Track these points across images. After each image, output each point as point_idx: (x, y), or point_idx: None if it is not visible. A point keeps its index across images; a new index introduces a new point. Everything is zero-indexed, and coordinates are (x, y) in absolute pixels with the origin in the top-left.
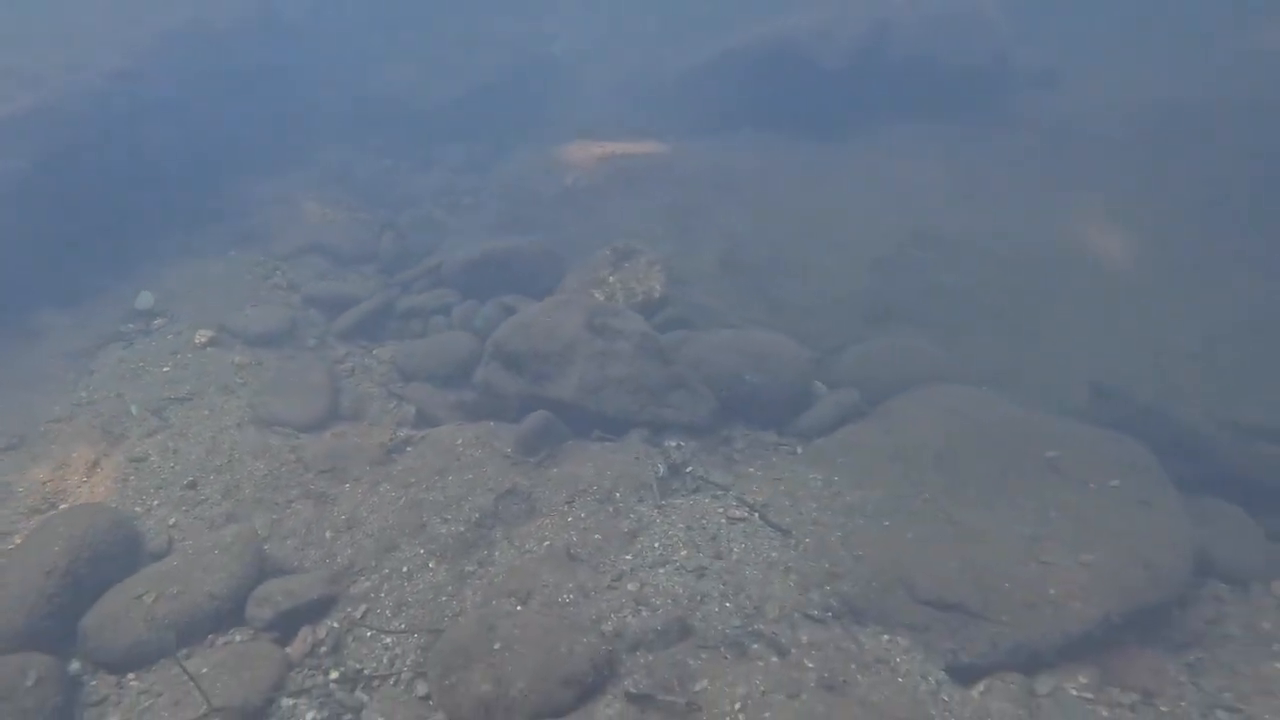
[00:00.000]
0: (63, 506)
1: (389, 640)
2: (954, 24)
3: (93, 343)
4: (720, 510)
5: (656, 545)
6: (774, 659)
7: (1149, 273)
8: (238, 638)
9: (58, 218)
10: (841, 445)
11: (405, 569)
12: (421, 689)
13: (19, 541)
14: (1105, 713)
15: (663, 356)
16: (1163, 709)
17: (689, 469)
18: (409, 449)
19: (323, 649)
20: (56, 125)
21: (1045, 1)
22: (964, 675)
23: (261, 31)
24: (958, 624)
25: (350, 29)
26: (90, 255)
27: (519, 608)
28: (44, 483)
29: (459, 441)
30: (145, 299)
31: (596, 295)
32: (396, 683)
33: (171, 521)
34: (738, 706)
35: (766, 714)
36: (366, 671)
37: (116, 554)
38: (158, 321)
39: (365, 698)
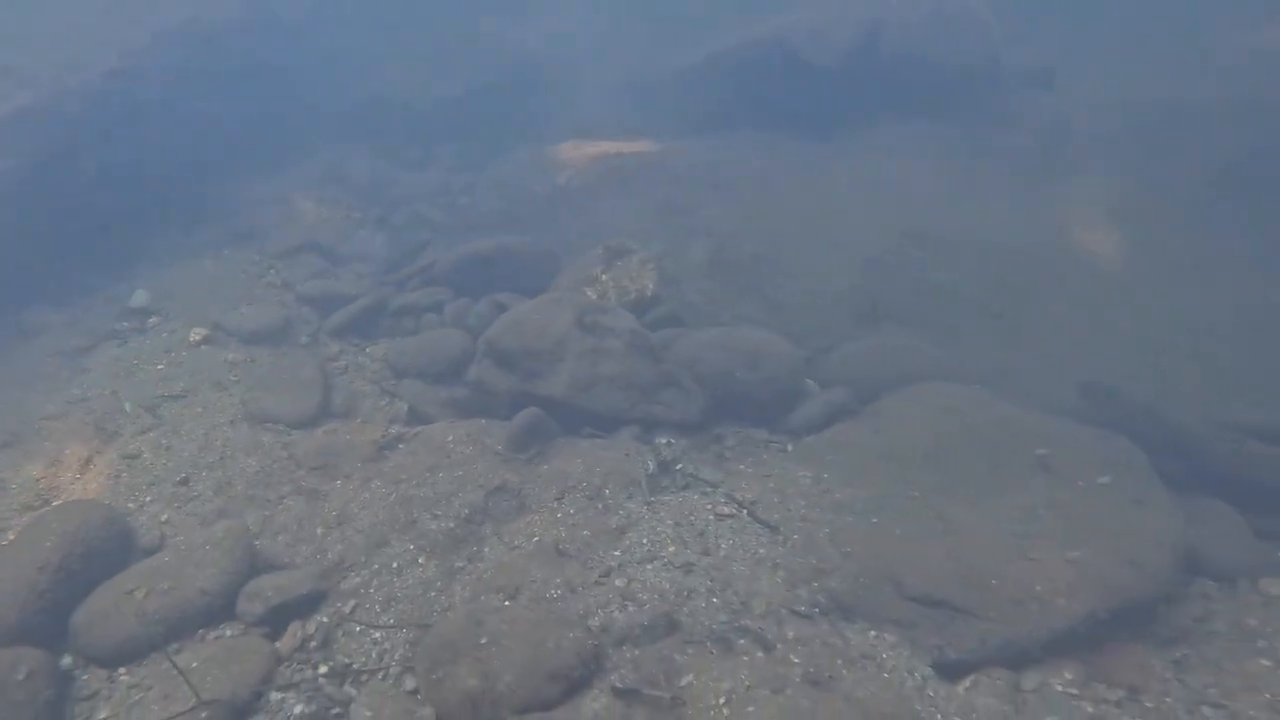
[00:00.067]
0: (56, 503)
1: (378, 635)
2: (947, 24)
3: (88, 340)
4: (709, 507)
5: (644, 541)
6: (760, 654)
7: (1142, 272)
8: (228, 632)
9: (54, 216)
10: (831, 443)
11: (395, 565)
12: (410, 683)
13: (12, 537)
14: (1090, 708)
15: (654, 354)
16: (1148, 705)
17: (679, 466)
18: (401, 446)
19: (312, 644)
20: (54, 124)
21: (1045, 1)
22: (950, 671)
23: (260, 31)
24: (945, 620)
25: (349, 29)
26: (86, 254)
27: (507, 603)
28: (37, 479)
29: (450, 438)
30: (140, 297)
31: (589, 293)
32: (385, 677)
33: (164, 518)
34: (722, 701)
35: (751, 708)
36: (355, 666)
37: (109, 550)
38: (152, 320)
39: (353, 692)
